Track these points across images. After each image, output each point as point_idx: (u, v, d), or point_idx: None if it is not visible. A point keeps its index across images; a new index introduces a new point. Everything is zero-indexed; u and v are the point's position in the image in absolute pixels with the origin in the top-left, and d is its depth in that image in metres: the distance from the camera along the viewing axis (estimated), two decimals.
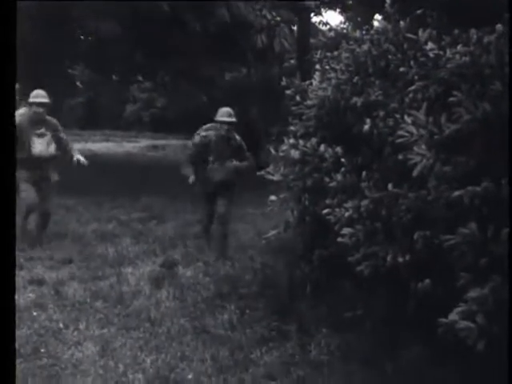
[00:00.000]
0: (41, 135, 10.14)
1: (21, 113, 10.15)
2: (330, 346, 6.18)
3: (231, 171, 9.91)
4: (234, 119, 9.93)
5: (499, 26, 4.65)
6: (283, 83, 7.62)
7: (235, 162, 9.90)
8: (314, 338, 6.32)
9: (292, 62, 20.47)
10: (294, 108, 7.36)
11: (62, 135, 10.57)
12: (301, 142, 6.57)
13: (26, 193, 9.85)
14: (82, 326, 6.68)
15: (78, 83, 26.11)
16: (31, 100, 10.29)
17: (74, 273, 8.49)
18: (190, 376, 5.64)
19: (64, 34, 16.80)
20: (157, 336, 6.48)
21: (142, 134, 28.21)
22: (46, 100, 10.39)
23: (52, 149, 10.26)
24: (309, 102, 6.87)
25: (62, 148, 10.50)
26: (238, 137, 10.07)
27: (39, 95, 10.35)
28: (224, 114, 9.95)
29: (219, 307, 7.19)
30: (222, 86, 20.99)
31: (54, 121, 10.57)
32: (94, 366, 5.79)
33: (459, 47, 4.92)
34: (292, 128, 7.21)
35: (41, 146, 10.12)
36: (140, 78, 26.17)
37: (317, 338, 6.30)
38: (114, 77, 24.24)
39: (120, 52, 17.79)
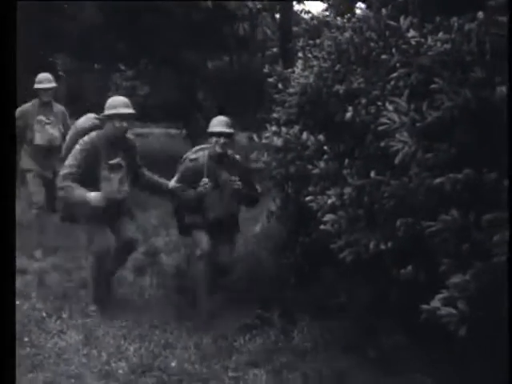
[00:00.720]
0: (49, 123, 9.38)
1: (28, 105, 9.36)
2: (312, 333, 6.20)
3: (234, 202, 7.34)
4: (231, 130, 7.36)
5: (480, 14, 4.65)
6: (265, 71, 7.61)
7: (238, 186, 7.20)
8: (297, 325, 6.34)
9: (274, 50, 20.44)
10: (276, 96, 7.36)
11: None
12: (283, 129, 6.57)
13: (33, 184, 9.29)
14: (65, 315, 6.67)
15: (60, 72, 25.97)
16: (37, 86, 9.41)
17: (57, 262, 8.45)
18: (173, 364, 5.65)
19: (46, 23, 16.66)
20: (140, 324, 6.49)
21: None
22: (53, 84, 9.57)
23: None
24: (291, 90, 6.86)
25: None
26: (237, 156, 7.54)
27: (45, 79, 9.50)
28: (219, 123, 7.34)
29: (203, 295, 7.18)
30: (205, 75, 20.94)
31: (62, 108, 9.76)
32: (78, 354, 5.80)
33: (440, 35, 4.92)
34: (274, 115, 7.21)
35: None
36: (122, 67, 26.05)
37: (300, 326, 6.32)
38: (96, 65, 24.12)
39: (102, 40, 17.69)
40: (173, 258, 8.64)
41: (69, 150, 7.05)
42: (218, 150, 7.25)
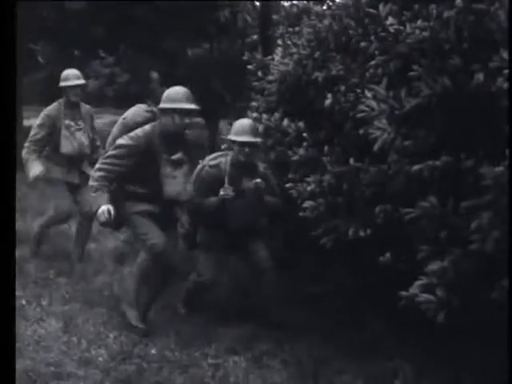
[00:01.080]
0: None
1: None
2: (292, 320, 6.22)
3: (256, 212, 6.49)
4: (258, 138, 6.36)
5: (458, 1, 4.66)
6: (245, 58, 7.61)
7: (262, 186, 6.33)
8: (277, 312, 6.35)
9: (255, 37, 20.40)
10: (256, 83, 7.36)
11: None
12: (264, 116, 6.59)
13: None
14: (44, 303, 6.65)
15: (39, 58, 25.81)
16: (64, 84, 8.09)
17: (37, 249, 8.42)
18: (153, 351, 5.65)
19: (25, 9, 16.58)
20: (120, 312, 6.47)
21: (105, 110, 27.95)
22: (81, 81, 8.20)
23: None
24: (270, 77, 6.88)
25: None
26: (262, 164, 6.59)
27: (72, 76, 8.16)
28: (243, 130, 6.33)
29: (183, 283, 7.18)
30: (185, 61, 20.86)
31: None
32: (57, 342, 5.78)
33: (419, 22, 4.93)
34: (254, 103, 7.21)
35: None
36: (102, 54, 25.94)
37: (280, 313, 6.33)
38: (75, 52, 23.99)
39: (81, 27, 17.59)
40: None
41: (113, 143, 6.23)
42: (242, 159, 6.38)
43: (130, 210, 6.17)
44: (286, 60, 6.65)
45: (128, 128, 6.25)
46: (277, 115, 6.42)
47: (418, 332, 5.38)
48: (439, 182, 4.67)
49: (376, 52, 5.44)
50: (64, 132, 7.88)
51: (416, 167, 4.68)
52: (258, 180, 6.25)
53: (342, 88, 5.72)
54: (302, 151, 5.94)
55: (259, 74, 7.32)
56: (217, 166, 6.49)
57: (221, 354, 5.65)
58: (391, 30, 5.23)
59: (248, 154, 6.33)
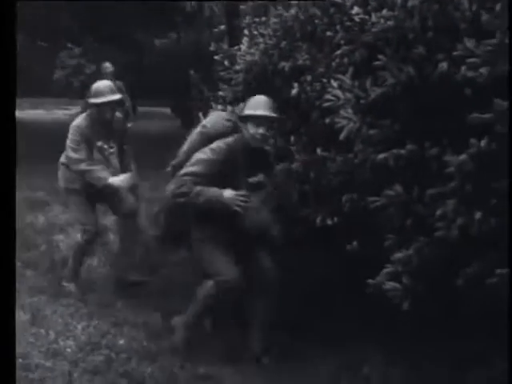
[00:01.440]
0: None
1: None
2: (259, 309, 6.23)
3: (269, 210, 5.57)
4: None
5: None
6: (212, 48, 7.60)
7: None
8: (245, 302, 6.36)
9: (222, 27, 20.41)
10: (222, 73, 7.36)
11: None
12: (229, 107, 6.59)
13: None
14: None
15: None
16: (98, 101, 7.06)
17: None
18: (121, 341, 5.66)
19: None
20: (88, 303, 6.47)
21: (73, 101, 27.81)
22: (118, 96, 7.26)
23: None
24: (237, 67, 6.87)
25: None
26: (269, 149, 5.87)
27: (107, 90, 7.11)
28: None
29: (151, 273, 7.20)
30: (152, 52, 20.85)
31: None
32: (25, 333, 5.77)
33: (384, 11, 4.96)
34: (221, 93, 7.21)
35: None
36: (69, 44, 25.81)
37: (247, 302, 6.34)
38: (42, 43, 23.85)
39: (48, 17, 17.50)
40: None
41: (191, 154, 5.55)
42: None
43: (198, 235, 5.56)
44: (252, 50, 6.64)
45: (209, 137, 5.58)
46: (243, 105, 6.42)
47: (386, 319, 5.42)
48: (404, 171, 4.71)
49: (342, 41, 5.45)
50: (96, 155, 7.00)
51: (381, 156, 4.72)
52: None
53: (309, 78, 5.73)
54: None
55: (226, 63, 7.31)
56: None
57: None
58: (357, 19, 5.26)
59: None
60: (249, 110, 5.51)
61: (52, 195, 11.47)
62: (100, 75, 10.27)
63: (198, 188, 5.28)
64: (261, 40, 6.53)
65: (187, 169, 5.38)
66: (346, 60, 5.34)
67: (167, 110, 24.52)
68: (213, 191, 5.30)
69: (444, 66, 4.46)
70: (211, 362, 5.30)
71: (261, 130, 5.41)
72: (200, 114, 7.49)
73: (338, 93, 5.06)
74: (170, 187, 5.43)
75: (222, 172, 5.32)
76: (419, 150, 4.61)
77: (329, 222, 5.31)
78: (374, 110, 4.92)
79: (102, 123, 7.02)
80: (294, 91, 5.73)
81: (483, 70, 4.13)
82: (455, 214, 4.30)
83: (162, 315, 6.16)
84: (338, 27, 5.54)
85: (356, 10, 5.29)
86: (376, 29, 4.97)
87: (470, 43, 4.27)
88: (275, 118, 5.55)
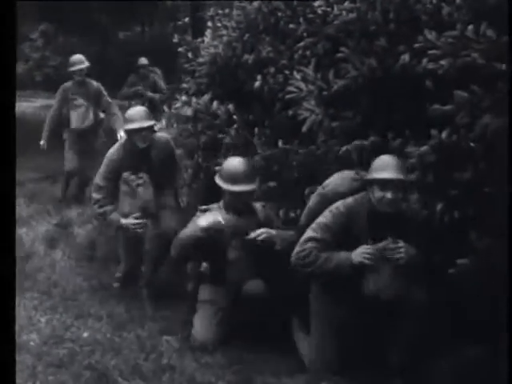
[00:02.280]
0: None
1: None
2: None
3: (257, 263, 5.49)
4: (254, 185, 5.43)
5: None
6: (175, 40, 7.59)
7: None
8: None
9: (186, 20, 20.38)
10: (186, 65, 7.34)
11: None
12: (193, 99, 6.58)
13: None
14: None
15: None
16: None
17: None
18: (85, 334, 5.62)
19: None
20: (52, 296, 6.42)
21: (36, 94, 27.57)
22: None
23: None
24: (201, 60, 6.86)
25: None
26: (259, 204, 5.63)
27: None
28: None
29: (115, 265, 7.16)
30: (116, 44, 20.78)
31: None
32: None
33: (346, 4, 5.01)
34: (184, 85, 7.20)
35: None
36: (32, 37, 25.60)
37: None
38: None
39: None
40: (86, 230, 8.56)
41: (311, 216, 5.06)
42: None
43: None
44: (215, 42, 6.65)
45: (328, 199, 4.99)
46: (206, 98, 6.42)
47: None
48: (367, 162, 4.74)
49: (304, 34, 5.49)
50: (124, 188, 6.45)
51: (344, 148, 4.76)
52: (263, 232, 5.35)
53: (272, 70, 5.75)
54: (232, 133, 5.97)
55: (189, 56, 7.30)
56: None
57: (154, 334, 5.65)
58: (319, 11, 5.30)
59: (244, 202, 5.47)
60: (375, 172, 4.63)
61: (16, 187, 11.38)
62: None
63: (325, 255, 4.70)
64: (224, 32, 6.55)
65: (309, 234, 4.82)
66: (308, 52, 5.38)
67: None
68: (343, 255, 4.69)
69: (406, 57, 4.51)
70: None
71: (389, 195, 4.56)
72: (164, 107, 7.50)
73: (301, 85, 5.09)
74: (294, 255, 4.85)
75: (345, 235, 4.74)
76: (382, 142, 4.65)
77: (292, 214, 5.33)
78: (337, 102, 4.96)
79: (133, 152, 6.44)
80: (257, 83, 5.75)
81: (444, 62, 4.18)
82: (418, 206, 4.35)
83: (126, 306, 6.15)
84: (300, 19, 5.57)
85: (318, 2, 5.34)
86: (338, 21, 5.02)
87: (431, 35, 4.32)
88: (405, 181, 4.60)
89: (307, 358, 5.02)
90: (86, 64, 9.72)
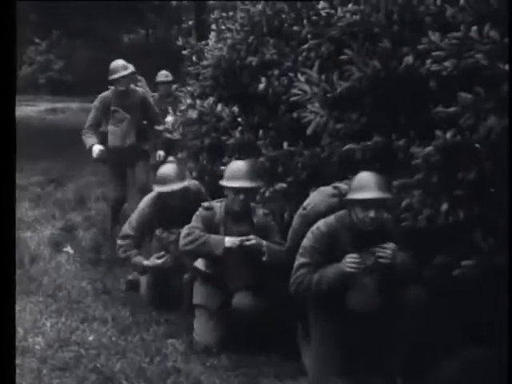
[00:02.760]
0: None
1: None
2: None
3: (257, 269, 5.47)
4: (256, 183, 5.50)
5: None
6: (179, 43, 7.59)
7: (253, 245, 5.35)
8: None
9: (190, 23, 20.41)
10: (190, 68, 7.35)
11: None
12: (198, 102, 6.59)
13: None
14: None
15: None
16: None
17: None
18: (90, 337, 5.63)
19: None
20: (57, 299, 6.43)
21: (39, 98, 27.63)
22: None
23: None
24: (205, 63, 6.87)
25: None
26: (261, 210, 5.63)
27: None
28: (237, 174, 5.39)
29: (120, 268, 7.17)
30: (121, 48, 20.78)
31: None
32: None
33: (350, 6, 5.00)
34: (189, 88, 7.21)
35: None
36: (36, 40, 25.64)
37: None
38: None
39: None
40: (90, 233, 8.57)
41: (295, 239, 5.08)
42: (237, 208, 5.46)
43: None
44: (220, 45, 6.65)
45: (309, 220, 4.98)
46: (211, 100, 6.43)
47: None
48: (371, 163, 4.75)
49: (308, 36, 5.49)
50: (156, 244, 6.46)
51: (347, 147, 4.76)
52: (249, 237, 5.34)
53: (276, 72, 5.76)
54: (236, 135, 5.98)
55: (194, 59, 7.30)
56: (211, 208, 5.60)
57: (159, 338, 5.66)
58: (323, 13, 5.30)
59: (243, 201, 5.45)
60: (356, 192, 4.59)
61: (20, 191, 11.40)
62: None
63: (316, 276, 4.69)
64: (228, 35, 6.55)
65: (299, 260, 4.81)
66: (312, 54, 5.38)
67: None
68: (329, 271, 4.67)
69: (409, 59, 4.51)
70: None
71: (372, 214, 4.53)
72: (169, 109, 7.50)
73: (305, 87, 5.09)
74: (291, 284, 4.85)
75: (330, 253, 4.71)
76: (386, 142, 4.65)
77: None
78: (341, 104, 4.95)
79: (165, 209, 6.33)
80: (262, 86, 5.77)
81: (448, 64, 4.17)
82: (421, 205, 4.34)
83: (131, 310, 6.15)
84: (304, 22, 5.57)
85: (322, 4, 5.33)
86: (342, 23, 5.01)
87: (434, 36, 4.31)
88: (387, 199, 4.59)
89: (308, 366, 5.03)
90: (131, 69, 8.45)
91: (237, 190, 5.41)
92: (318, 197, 5.02)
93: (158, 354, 5.36)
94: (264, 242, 5.36)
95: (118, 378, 4.91)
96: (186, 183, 6.26)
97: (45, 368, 5.10)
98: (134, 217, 6.43)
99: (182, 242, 5.49)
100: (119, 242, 6.42)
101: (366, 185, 4.53)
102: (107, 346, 5.49)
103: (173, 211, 6.22)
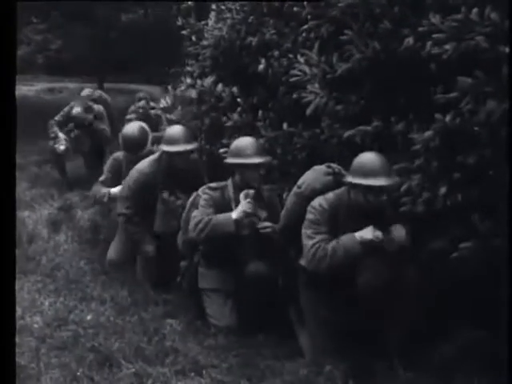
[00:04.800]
0: None
1: None
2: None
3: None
4: (265, 158, 5.44)
5: None
6: (179, 23, 7.55)
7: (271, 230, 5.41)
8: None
9: (189, 3, 20.30)
10: (190, 48, 7.31)
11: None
12: (198, 81, 6.57)
13: None
14: None
15: None
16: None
17: None
18: (88, 317, 5.64)
19: None
20: (55, 279, 6.44)
21: (37, 77, 27.49)
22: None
23: None
24: (205, 43, 6.84)
25: None
26: (266, 187, 5.67)
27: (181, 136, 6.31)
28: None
29: None
30: (119, 28, 20.67)
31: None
32: None
33: None
34: (189, 68, 7.18)
35: None
36: (34, 20, 25.47)
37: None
38: None
39: None
40: (88, 213, 8.56)
41: (292, 217, 5.10)
42: (254, 184, 5.45)
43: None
44: (219, 25, 6.62)
45: (304, 199, 4.98)
46: (210, 80, 6.41)
47: None
48: (371, 146, 4.74)
49: (308, 16, 5.47)
50: (160, 207, 6.38)
51: (348, 133, 4.76)
52: (265, 224, 5.38)
53: (276, 53, 5.74)
54: (236, 116, 5.97)
55: (193, 39, 7.26)
56: (219, 188, 5.54)
57: (157, 318, 5.66)
58: None
59: (258, 177, 5.47)
60: (359, 177, 4.57)
61: (18, 171, 11.35)
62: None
63: (331, 245, 4.65)
64: (228, 15, 6.51)
65: (307, 233, 4.77)
66: (312, 35, 5.36)
67: (137, 87, 24.36)
68: (347, 238, 4.66)
69: (410, 41, 4.48)
70: None
71: (372, 198, 4.59)
72: (169, 87, 7.47)
73: (305, 68, 5.08)
74: (303, 261, 4.83)
75: (331, 230, 4.73)
76: (385, 126, 4.64)
77: None
78: (341, 85, 4.94)
79: (173, 170, 6.24)
80: (261, 66, 5.76)
81: (448, 47, 4.15)
82: (421, 189, 4.34)
83: (129, 290, 6.16)
84: (304, 2, 5.55)
85: None
86: (342, 4, 4.98)
87: (435, 19, 4.29)
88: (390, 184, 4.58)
89: (305, 348, 5.06)
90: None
91: (252, 166, 5.37)
92: (312, 175, 5.01)
93: (156, 333, 5.37)
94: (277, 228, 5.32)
95: (115, 358, 4.91)
96: (194, 145, 6.21)
97: (43, 347, 5.11)
98: (130, 179, 6.37)
99: (193, 232, 5.42)
100: (118, 207, 6.44)
101: (371, 169, 4.52)
102: (105, 325, 5.50)
103: (178, 174, 6.18)
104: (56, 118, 9.91)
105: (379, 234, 4.58)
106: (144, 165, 6.37)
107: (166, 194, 6.26)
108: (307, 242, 4.74)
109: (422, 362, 4.68)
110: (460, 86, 4.08)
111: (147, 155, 6.52)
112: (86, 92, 10.57)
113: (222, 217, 5.35)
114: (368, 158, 4.58)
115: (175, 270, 5.92)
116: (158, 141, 6.77)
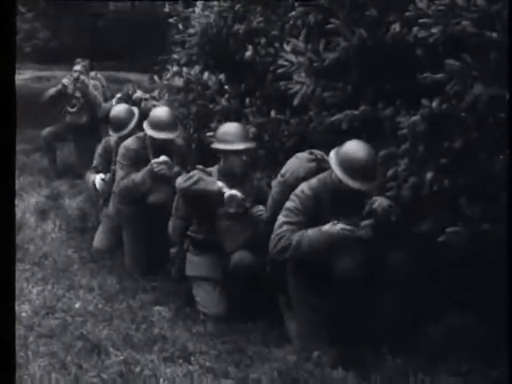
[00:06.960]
0: None
1: None
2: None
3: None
4: (251, 143, 5.48)
5: None
6: (166, 10, 7.53)
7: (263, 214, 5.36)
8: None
9: None
10: (177, 36, 7.30)
11: None
12: (184, 69, 6.56)
13: None
14: None
15: None
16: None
17: None
18: (77, 305, 5.64)
19: None
20: (43, 267, 6.43)
21: (25, 66, 27.41)
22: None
23: None
24: (191, 30, 6.82)
25: None
26: (256, 174, 5.75)
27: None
28: (229, 135, 5.37)
29: None
30: (107, 16, 20.57)
31: None
32: None
33: None
34: (175, 56, 7.16)
35: None
36: (21, 9, 25.36)
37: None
38: None
39: None
40: (76, 201, 8.55)
41: (277, 206, 5.01)
42: (238, 170, 5.47)
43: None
44: (206, 12, 6.60)
45: (288, 187, 4.94)
46: (197, 68, 6.40)
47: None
48: (358, 132, 4.74)
49: (296, 4, 5.46)
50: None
51: (334, 117, 4.76)
52: (260, 207, 5.34)
53: (263, 40, 5.74)
54: (224, 102, 5.97)
55: (180, 26, 7.25)
56: (207, 172, 5.49)
57: (145, 305, 5.67)
58: None
59: (243, 163, 5.47)
60: (343, 168, 4.54)
61: None
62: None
63: (296, 237, 4.65)
64: (215, 2, 6.50)
65: (281, 219, 4.76)
66: (299, 22, 5.35)
67: (125, 75, 24.26)
68: (316, 232, 4.64)
69: (396, 27, 4.49)
70: None
71: (357, 185, 4.50)
72: (155, 77, 7.45)
73: (291, 57, 5.07)
74: (270, 245, 4.82)
75: (315, 216, 4.69)
76: (372, 111, 4.65)
77: None
78: (328, 73, 4.94)
79: (158, 151, 6.26)
80: (248, 53, 5.76)
81: (435, 30, 4.16)
82: (407, 174, 4.35)
83: (118, 277, 6.16)
84: None
85: None
86: None
87: (421, 3, 4.29)
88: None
89: (293, 334, 5.06)
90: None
91: (235, 152, 5.37)
92: (295, 163, 4.98)
93: (144, 321, 5.38)
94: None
95: (104, 345, 4.91)
96: (177, 132, 6.29)
97: (31, 335, 5.10)
98: (119, 157, 6.42)
99: (179, 180, 5.47)
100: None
101: (354, 160, 4.47)
102: (94, 313, 5.51)
103: (164, 153, 6.17)
104: None
105: (345, 227, 4.54)
106: (129, 142, 6.47)
107: (155, 165, 6.14)
108: (275, 230, 4.75)
109: (410, 347, 4.69)
110: (448, 68, 4.08)
111: (131, 135, 6.69)
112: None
113: (208, 177, 5.41)
114: (352, 147, 4.52)
115: (164, 257, 5.94)
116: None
